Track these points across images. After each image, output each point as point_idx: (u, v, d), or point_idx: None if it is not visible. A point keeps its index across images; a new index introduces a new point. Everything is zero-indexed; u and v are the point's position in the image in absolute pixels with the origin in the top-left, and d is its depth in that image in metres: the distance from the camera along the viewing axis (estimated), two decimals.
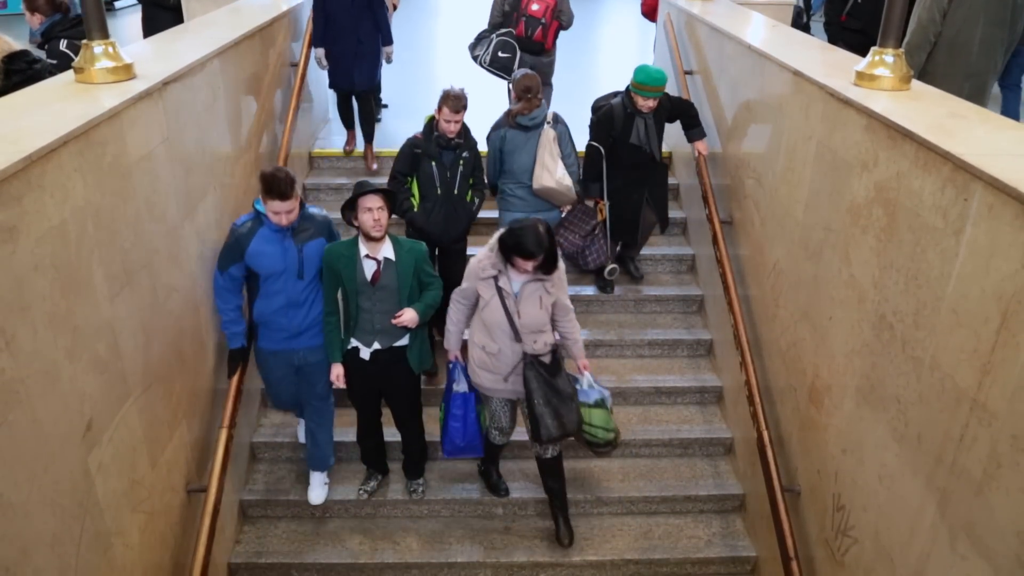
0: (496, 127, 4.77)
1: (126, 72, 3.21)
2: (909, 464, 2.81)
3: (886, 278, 2.96)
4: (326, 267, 3.73)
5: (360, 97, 6.10)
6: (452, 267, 4.63)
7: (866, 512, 3.12)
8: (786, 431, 3.94)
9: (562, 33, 6.25)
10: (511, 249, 3.55)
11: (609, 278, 5.32)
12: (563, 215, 5.04)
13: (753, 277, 4.38)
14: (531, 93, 4.61)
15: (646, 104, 4.75)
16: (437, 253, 4.68)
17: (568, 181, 4.69)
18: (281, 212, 3.56)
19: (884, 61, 3.33)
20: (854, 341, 3.20)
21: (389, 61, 6.21)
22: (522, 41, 6.02)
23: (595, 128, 4.99)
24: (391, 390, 4.08)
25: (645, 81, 4.69)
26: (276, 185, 3.49)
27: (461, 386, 4.00)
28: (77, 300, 2.57)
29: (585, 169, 5.01)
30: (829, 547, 3.44)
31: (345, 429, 4.60)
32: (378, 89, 6.92)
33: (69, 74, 3.24)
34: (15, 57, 3.87)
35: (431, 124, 4.40)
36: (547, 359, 3.83)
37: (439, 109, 4.29)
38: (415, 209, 4.48)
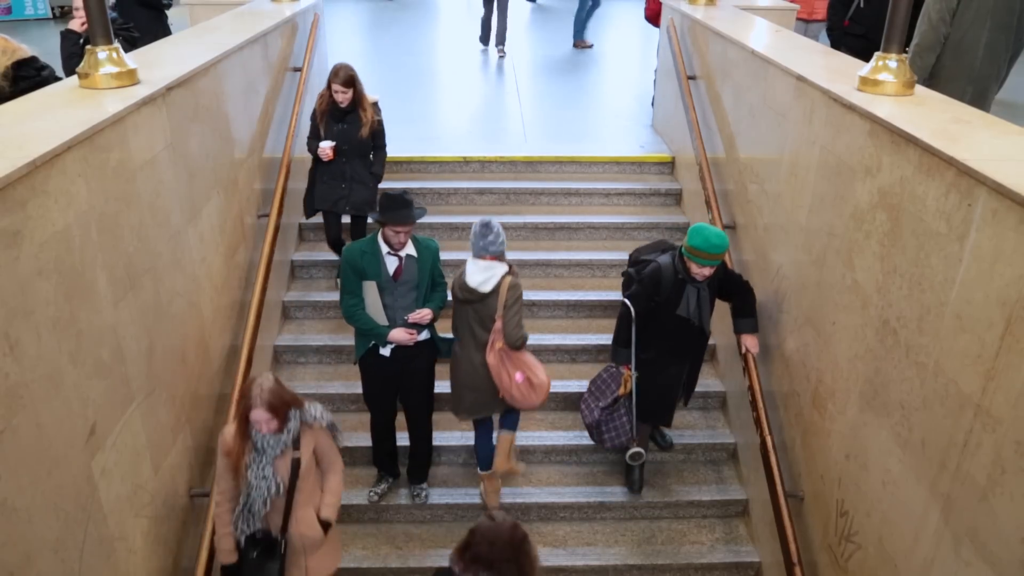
0: None
1: (130, 77, 3.22)
2: (913, 469, 2.80)
3: (890, 283, 2.95)
4: (348, 265, 3.82)
5: None
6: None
7: (870, 518, 3.11)
8: (789, 436, 3.93)
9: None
10: None
11: (632, 464, 4.35)
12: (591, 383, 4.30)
13: (756, 282, 4.38)
14: None
15: (701, 272, 3.86)
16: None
17: None
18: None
19: (887, 66, 3.33)
20: (858, 346, 3.20)
21: None
22: None
23: (636, 287, 4.04)
24: (409, 387, 4.13)
25: (703, 247, 3.75)
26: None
27: None
28: (81, 305, 2.58)
29: (616, 331, 4.16)
30: (832, 553, 3.43)
31: (349, 433, 4.59)
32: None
33: (73, 79, 3.25)
34: (23, 64, 3.88)
35: None
36: None
37: None
38: None
